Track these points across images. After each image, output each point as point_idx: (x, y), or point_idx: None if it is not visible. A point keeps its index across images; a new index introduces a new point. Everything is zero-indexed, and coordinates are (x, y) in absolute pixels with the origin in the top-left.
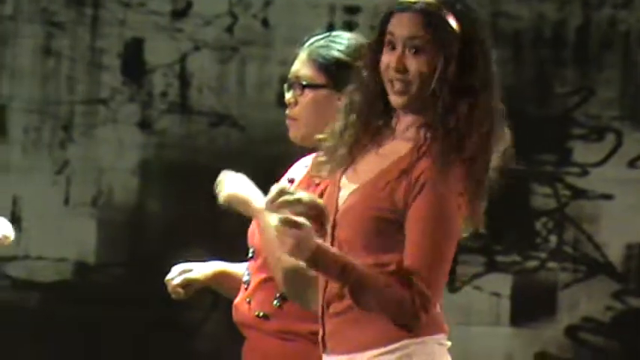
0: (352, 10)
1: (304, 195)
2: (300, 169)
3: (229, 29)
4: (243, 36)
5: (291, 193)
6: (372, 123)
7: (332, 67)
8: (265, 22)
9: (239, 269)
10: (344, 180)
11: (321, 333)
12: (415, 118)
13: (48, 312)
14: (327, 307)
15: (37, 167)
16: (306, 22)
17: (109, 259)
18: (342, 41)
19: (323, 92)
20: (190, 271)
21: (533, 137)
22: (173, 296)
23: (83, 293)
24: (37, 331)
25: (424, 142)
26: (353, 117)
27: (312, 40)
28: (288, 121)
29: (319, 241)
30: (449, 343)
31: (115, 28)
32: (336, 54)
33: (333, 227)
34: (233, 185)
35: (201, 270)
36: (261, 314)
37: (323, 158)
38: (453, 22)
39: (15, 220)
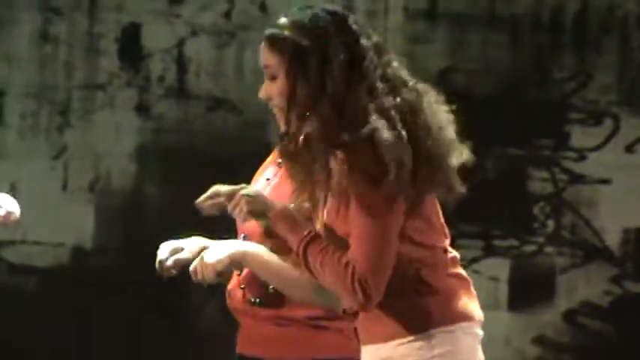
0: None
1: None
2: (273, 167)
3: (227, 14)
4: (241, 21)
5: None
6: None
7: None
8: (263, 7)
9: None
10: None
11: (355, 321)
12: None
13: (45, 296)
14: None
15: (34, 152)
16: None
17: (107, 243)
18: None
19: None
20: (180, 250)
21: (530, 122)
22: (164, 275)
23: (80, 278)
24: (34, 316)
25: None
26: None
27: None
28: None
29: (279, 205)
30: (480, 332)
31: (112, 14)
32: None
33: None
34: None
35: (189, 248)
36: (256, 300)
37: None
38: (301, 38)
39: None
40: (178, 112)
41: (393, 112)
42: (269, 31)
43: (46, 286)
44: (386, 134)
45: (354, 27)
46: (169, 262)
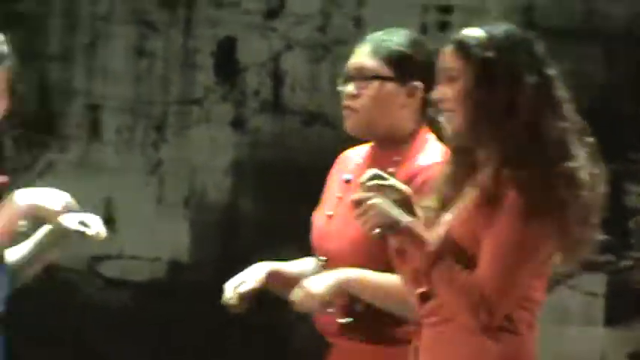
0: (446, 9)
1: (397, 183)
2: (352, 167)
3: (322, 28)
4: (336, 35)
5: (386, 179)
6: (457, 163)
7: (396, 60)
8: (358, 21)
9: (292, 267)
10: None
11: (415, 342)
12: (479, 147)
13: (141, 311)
14: (424, 317)
15: (130, 167)
16: (399, 21)
17: (202, 258)
18: (402, 35)
19: (388, 85)
20: (242, 284)
21: (626, 136)
22: (234, 311)
23: (176, 292)
24: (130, 330)
25: (493, 173)
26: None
27: (372, 35)
28: (346, 112)
29: (408, 217)
30: None
31: (207, 28)
32: (400, 47)
33: None
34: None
35: (253, 277)
36: (344, 321)
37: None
38: (483, 50)
39: (108, 220)
40: (274, 127)
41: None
42: (459, 36)
43: (142, 301)
44: (583, 175)
45: (540, 53)
46: (233, 301)
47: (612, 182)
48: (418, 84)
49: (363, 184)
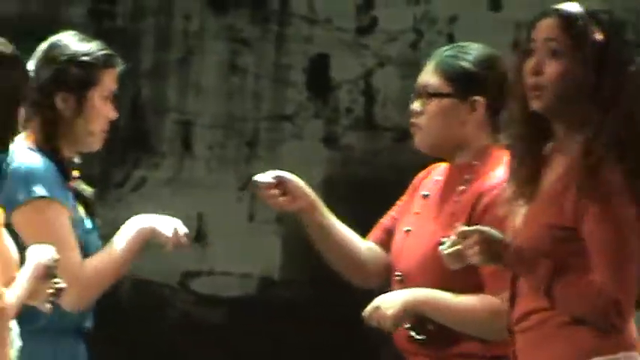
0: None
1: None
2: (431, 183)
3: (414, 45)
4: (428, 52)
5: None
6: (527, 137)
7: (459, 77)
8: (450, 38)
9: (343, 229)
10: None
11: (512, 348)
12: (565, 128)
13: (233, 327)
14: (517, 323)
15: (221, 183)
16: (492, 38)
17: (294, 275)
18: (470, 52)
19: (449, 101)
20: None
21: None
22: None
23: (268, 309)
24: (222, 347)
25: (583, 158)
26: (513, 144)
27: (440, 50)
28: (412, 129)
29: (508, 243)
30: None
31: (300, 45)
32: (463, 64)
33: None
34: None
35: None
36: (420, 338)
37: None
38: (593, 30)
39: (200, 236)
40: (365, 144)
41: None
42: (564, 10)
43: (234, 317)
44: None
45: (631, 40)
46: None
47: None
48: (479, 99)
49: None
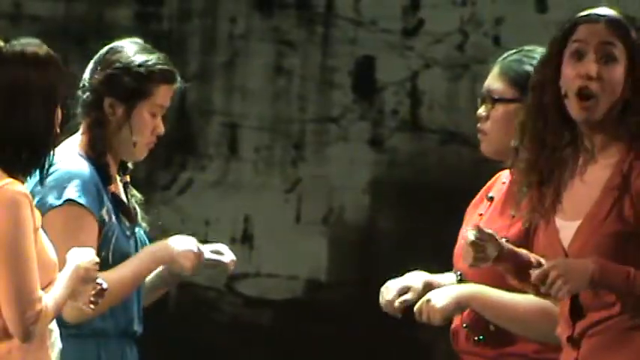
0: None
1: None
2: (498, 186)
3: (460, 47)
4: (474, 54)
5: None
6: (548, 146)
7: (523, 82)
8: (497, 40)
9: (442, 280)
10: (559, 221)
11: (573, 356)
12: (610, 134)
13: (280, 329)
14: (583, 334)
15: (268, 185)
16: (538, 39)
17: (341, 277)
18: (534, 55)
19: (514, 106)
20: (406, 290)
21: None
22: (391, 314)
23: (315, 311)
24: (269, 349)
25: (635, 156)
26: (527, 140)
27: (505, 54)
28: (479, 135)
29: (588, 262)
30: None
31: (346, 47)
32: (528, 68)
33: None
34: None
35: (414, 286)
36: (480, 338)
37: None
38: (637, 36)
39: (247, 238)
40: (411, 146)
41: None
42: (610, 14)
43: (281, 319)
44: None
45: None
46: (397, 304)
47: None
48: None
49: (471, 243)
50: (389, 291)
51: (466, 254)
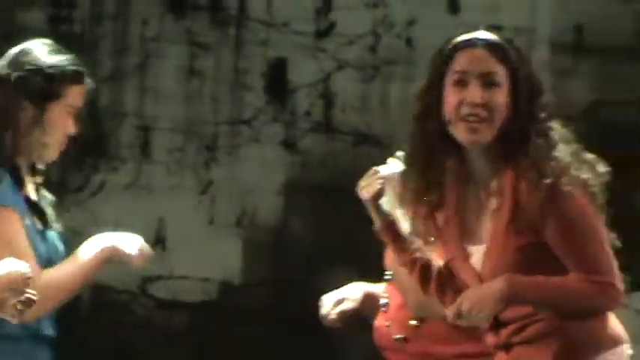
0: (495, 29)
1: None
2: None
3: (372, 48)
4: (387, 55)
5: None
6: (435, 173)
7: None
8: (409, 42)
9: (380, 290)
10: (468, 247)
11: (503, 358)
12: (495, 156)
13: (192, 332)
14: (509, 335)
15: (181, 187)
16: None
17: (254, 279)
18: None
19: None
20: (343, 301)
21: None
22: (330, 326)
23: (228, 313)
24: (182, 351)
25: (516, 175)
26: (413, 169)
27: None
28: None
29: (497, 283)
30: (630, 352)
31: (258, 48)
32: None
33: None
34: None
35: (352, 297)
36: (401, 337)
37: (411, 223)
38: (520, 59)
39: (160, 240)
40: (324, 147)
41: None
42: (490, 39)
43: (194, 322)
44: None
45: None
46: (334, 316)
47: None
48: None
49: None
50: (326, 303)
51: None
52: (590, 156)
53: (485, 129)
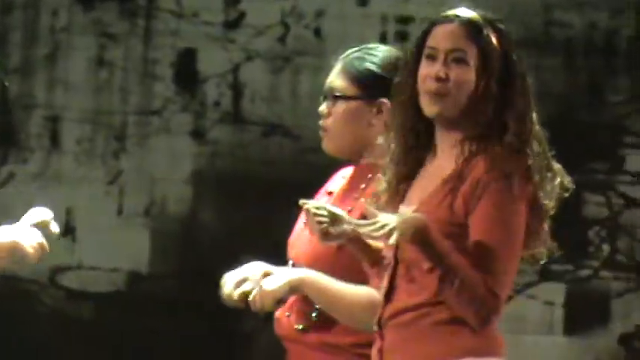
0: (405, 20)
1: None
2: (338, 180)
3: (282, 39)
4: (296, 46)
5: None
6: (408, 144)
7: (365, 79)
8: (318, 32)
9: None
10: (401, 208)
11: (378, 345)
12: (457, 132)
13: (101, 322)
14: (390, 318)
15: (90, 177)
16: (359, 32)
17: (163, 269)
18: (377, 54)
19: (355, 104)
20: (244, 281)
21: (585, 145)
22: (231, 306)
23: (137, 303)
24: (90, 341)
25: (473, 153)
26: (391, 138)
27: (347, 52)
28: (321, 132)
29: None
30: None
31: (167, 39)
32: (369, 66)
33: (396, 249)
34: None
35: (252, 277)
36: (301, 327)
37: (382, 185)
38: (493, 37)
39: (68, 231)
40: (233, 138)
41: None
42: (464, 15)
43: (102, 312)
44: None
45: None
46: (236, 296)
47: (572, 192)
48: (386, 101)
49: (313, 215)
50: (227, 283)
51: (313, 227)
52: (556, 165)
53: (445, 103)
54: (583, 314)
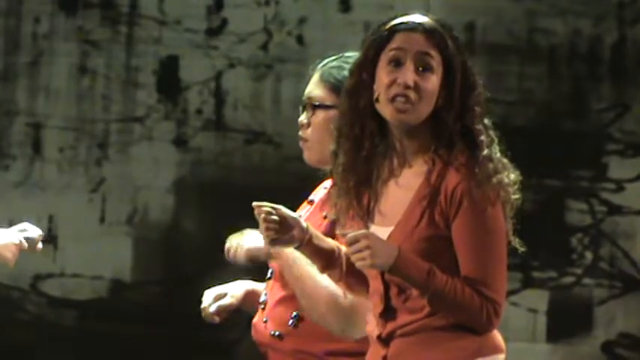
0: None
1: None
2: (320, 191)
3: (264, 47)
4: (278, 53)
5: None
6: (364, 149)
7: (341, 88)
8: (300, 40)
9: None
10: (373, 227)
11: (382, 353)
12: (422, 140)
13: (84, 330)
14: (393, 332)
15: (72, 185)
16: (341, 39)
17: (145, 277)
18: (353, 60)
19: (334, 113)
20: (224, 296)
21: (568, 153)
22: (208, 321)
23: (119, 311)
24: (72, 349)
25: (443, 165)
26: (343, 144)
27: (325, 61)
28: (300, 143)
29: (396, 246)
30: None
31: (150, 46)
32: (346, 74)
33: (382, 273)
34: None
35: (233, 293)
36: (277, 334)
37: (339, 196)
38: (454, 45)
39: (51, 238)
40: (216, 145)
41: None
42: (424, 22)
43: (85, 320)
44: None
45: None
46: (212, 309)
47: (554, 199)
48: None
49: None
50: (206, 297)
51: (260, 232)
52: (505, 161)
53: (412, 111)
54: (566, 321)
